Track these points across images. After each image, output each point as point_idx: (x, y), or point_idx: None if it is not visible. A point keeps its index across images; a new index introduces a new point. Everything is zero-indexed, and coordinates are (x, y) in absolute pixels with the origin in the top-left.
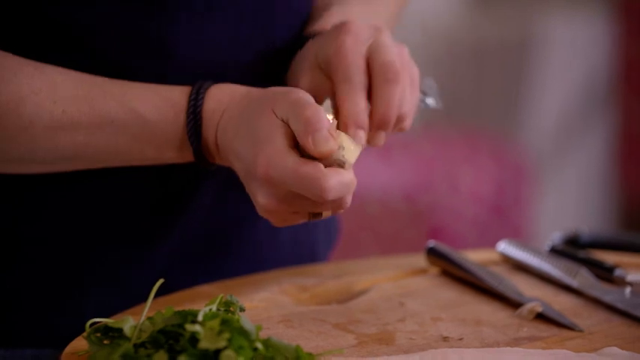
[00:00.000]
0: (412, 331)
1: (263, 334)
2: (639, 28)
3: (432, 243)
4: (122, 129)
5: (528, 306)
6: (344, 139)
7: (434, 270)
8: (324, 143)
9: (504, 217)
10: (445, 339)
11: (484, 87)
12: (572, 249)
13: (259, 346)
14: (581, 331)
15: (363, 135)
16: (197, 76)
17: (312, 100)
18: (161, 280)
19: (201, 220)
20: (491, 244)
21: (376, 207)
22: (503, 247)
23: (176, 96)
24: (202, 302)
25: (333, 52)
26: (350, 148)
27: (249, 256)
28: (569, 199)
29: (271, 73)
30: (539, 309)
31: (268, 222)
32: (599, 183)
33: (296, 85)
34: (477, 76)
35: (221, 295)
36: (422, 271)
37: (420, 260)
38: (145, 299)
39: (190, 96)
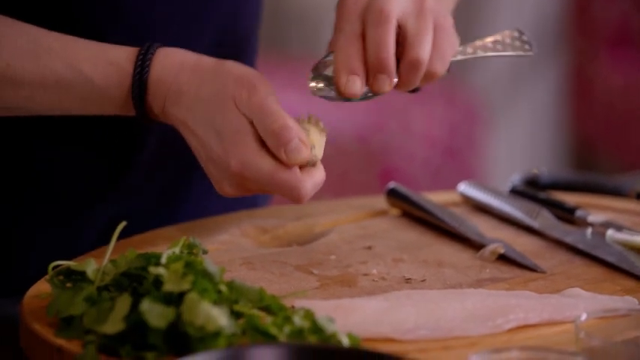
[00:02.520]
0: (374, 273)
1: (225, 277)
2: None
3: (392, 184)
4: (66, 89)
5: (490, 247)
6: (312, 133)
7: (394, 211)
8: (297, 154)
9: (457, 159)
10: (407, 280)
11: None
12: (532, 190)
13: (223, 288)
14: (543, 272)
15: (357, 81)
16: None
17: (273, 99)
18: (123, 223)
19: (144, 176)
20: (444, 185)
21: (327, 148)
22: (464, 188)
23: (122, 60)
24: (163, 245)
25: (337, 6)
26: (319, 143)
27: (190, 211)
28: (521, 140)
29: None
30: (501, 250)
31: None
32: (551, 124)
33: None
34: None
35: (184, 237)
36: (382, 213)
37: (381, 202)
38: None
39: (136, 62)
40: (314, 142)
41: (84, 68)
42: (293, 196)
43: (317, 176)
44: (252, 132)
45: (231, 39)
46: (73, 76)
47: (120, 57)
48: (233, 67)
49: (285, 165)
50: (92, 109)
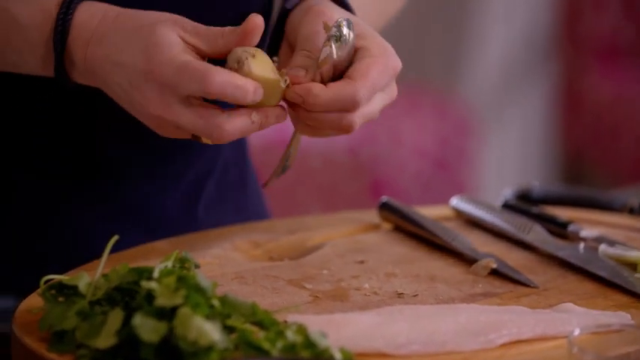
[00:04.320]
0: (366, 288)
1: (218, 291)
2: None
3: (384, 198)
4: None
5: (483, 262)
6: (260, 53)
7: (386, 225)
8: (229, 34)
9: (447, 171)
10: (400, 295)
11: (425, 42)
12: (524, 204)
13: (216, 303)
14: (536, 287)
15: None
16: None
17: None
18: (115, 237)
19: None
20: (435, 198)
21: (318, 159)
22: (456, 202)
23: (48, 2)
24: (156, 259)
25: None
26: (262, 63)
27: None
28: (511, 151)
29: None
30: (494, 265)
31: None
32: (541, 135)
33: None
34: (418, 32)
35: (176, 251)
36: (375, 227)
37: (373, 216)
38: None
39: (62, 6)
40: (257, 55)
41: (11, 7)
42: (200, 84)
43: (235, 78)
44: (182, 44)
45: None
46: None
47: (48, 1)
48: (155, 12)
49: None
50: (10, 54)
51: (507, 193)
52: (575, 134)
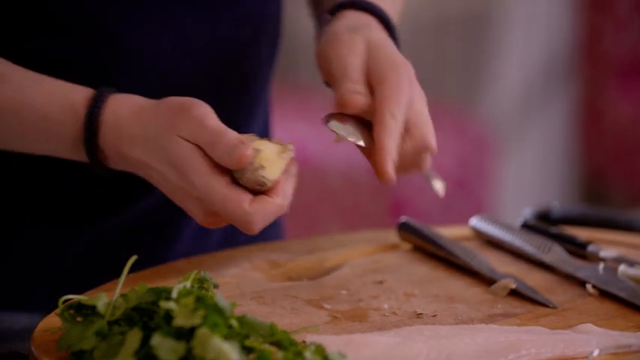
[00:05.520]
0: (385, 308)
1: (236, 311)
2: (600, 0)
3: (403, 218)
4: (18, 118)
5: (502, 282)
6: (264, 157)
7: (406, 246)
8: (235, 155)
9: (467, 191)
10: (419, 315)
11: (445, 61)
12: (543, 224)
13: (234, 323)
14: (554, 307)
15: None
16: (141, 69)
17: (210, 116)
18: (134, 257)
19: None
20: (455, 218)
21: (337, 179)
22: (475, 222)
23: (76, 96)
24: (174, 279)
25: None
26: (272, 164)
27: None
28: (531, 171)
29: (214, 71)
30: (513, 285)
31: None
32: (561, 156)
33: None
34: (438, 51)
35: (195, 271)
36: (394, 247)
37: (392, 236)
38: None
39: (89, 105)
40: (264, 162)
41: (38, 102)
42: (243, 227)
43: (269, 206)
44: (201, 155)
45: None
46: (25, 107)
47: (75, 96)
48: (169, 101)
49: (232, 167)
50: (43, 145)
51: (527, 213)
52: (595, 154)
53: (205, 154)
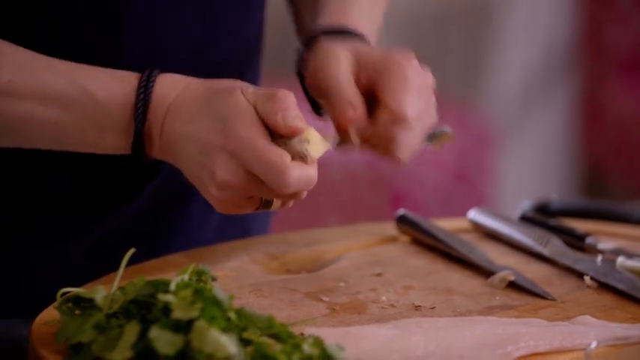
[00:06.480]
0: (384, 300)
1: (235, 304)
2: None
3: (402, 211)
4: (68, 105)
5: (500, 274)
6: (312, 134)
7: (404, 238)
8: (292, 120)
9: (467, 184)
10: (417, 308)
11: (445, 54)
12: (542, 217)
13: (232, 316)
14: (553, 299)
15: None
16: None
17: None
18: (132, 250)
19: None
20: (455, 211)
21: (337, 172)
22: (474, 215)
23: (126, 76)
24: (173, 272)
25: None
26: (316, 144)
27: (180, 240)
28: (532, 164)
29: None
30: (511, 277)
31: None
32: (562, 148)
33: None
34: (439, 43)
35: (192, 264)
36: (392, 240)
37: (390, 228)
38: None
39: (142, 77)
40: (310, 139)
41: (87, 84)
42: (277, 180)
43: (307, 171)
44: (252, 113)
45: (234, 60)
46: (75, 92)
47: (124, 74)
48: (221, 80)
49: (281, 131)
50: (90, 134)
51: (525, 205)
52: (596, 147)
53: (258, 116)
